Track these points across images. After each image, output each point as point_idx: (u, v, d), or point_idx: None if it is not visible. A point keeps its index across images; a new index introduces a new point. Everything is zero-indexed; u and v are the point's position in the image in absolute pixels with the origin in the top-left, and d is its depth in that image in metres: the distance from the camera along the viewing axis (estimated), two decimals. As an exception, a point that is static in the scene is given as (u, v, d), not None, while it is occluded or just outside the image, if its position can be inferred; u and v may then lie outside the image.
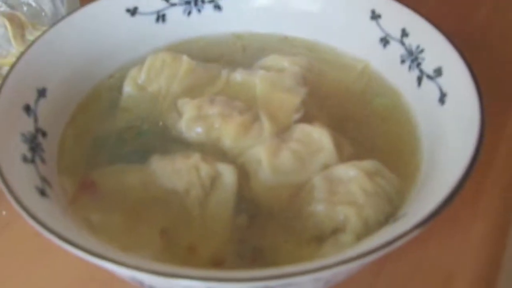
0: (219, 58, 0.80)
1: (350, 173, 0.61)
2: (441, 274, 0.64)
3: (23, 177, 0.55)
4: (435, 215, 0.48)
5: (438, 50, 0.68)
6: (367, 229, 0.57)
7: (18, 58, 0.66)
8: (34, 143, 0.62)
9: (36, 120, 0.64)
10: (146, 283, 0.52)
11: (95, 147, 0.69)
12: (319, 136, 0.65)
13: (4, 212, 0.72)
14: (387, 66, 0.75)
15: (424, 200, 0.54)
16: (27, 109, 0.63)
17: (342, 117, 0.72)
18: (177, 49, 0.79)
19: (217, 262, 0.57)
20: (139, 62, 0.77)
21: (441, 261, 0.66)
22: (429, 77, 0.68)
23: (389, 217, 0.59)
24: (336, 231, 0.58)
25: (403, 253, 0.65)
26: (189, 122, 0.68)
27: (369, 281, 0.64)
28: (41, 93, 0.66)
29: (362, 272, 0.62)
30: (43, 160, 0.61)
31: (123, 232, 0.58)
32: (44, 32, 0.71)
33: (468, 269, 0.65)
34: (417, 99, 0.70)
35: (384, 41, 0.75)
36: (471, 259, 0.66)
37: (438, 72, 0.67)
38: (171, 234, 0.59)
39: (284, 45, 0.83)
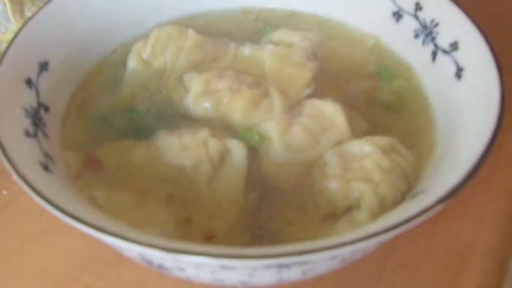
0: (227, 33, 0.78)
1: (365, 149, 0.59)
2: (454, 255, 0.63)
3: (26, 152, 0.53)
4: (458, 189, 0.46)
5: (454, 23, 0.66)
6: (383, 207, 0.55)
7: (19, 31, 0.64)
8: (36, 117, 0.59)
9: (38, 94, 0.62)
10: (155, 262, 0.50)
11: (99, 123, 0.67)
12: (331, 111, 0.63)
13: (4, 192, 0.69)
14: (400, 41, 0.73)
15: (443, 177, 0.52)
16: (29, 82, 0.61)
17: (354, 94, 0.70)
18: (183, 23, 0.77)
19: (209, 236, 0.55)
20: (143, 37, 0.74)
21: (453, 242, 0.64)
22: (444, 51, 0.66)
23: (405, 194, 0.57)
24: (351, 208, 0.56)
25: (414, 235, 0.63)
26: (197, 97, 0.66)
27: (380, 262, 0.62)
28: (43, 66, 0.64)
29: (373, 253, 0.60)
30: (46, 136, 0.59)
31: (129, 210, 0.56)
32: (45, 4, 0.68)
33: (481, 250, 0.63)
34: (432, 75, 0.68)
35: (397, 15, 0.73)
36: (484, 240, 0.64)
37: (454, 46, 0.65)
38: (180, 212, 0.57)
39: (293, 20, 0.80)
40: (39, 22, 0.66)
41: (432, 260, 0.62)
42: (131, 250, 0.49)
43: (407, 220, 0.43)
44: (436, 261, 0.62)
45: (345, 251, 0.43)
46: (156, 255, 0.47)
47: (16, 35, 0.63)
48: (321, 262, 0.48)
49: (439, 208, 0.45)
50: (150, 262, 0.50)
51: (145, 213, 0.56)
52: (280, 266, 0.46)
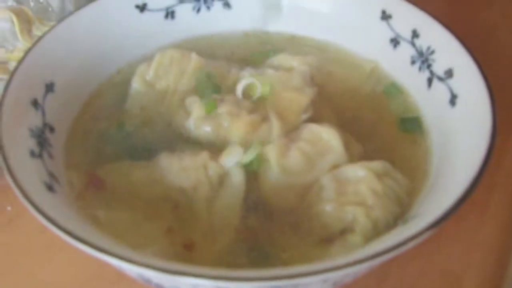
0: (228, 56, 0.80)
1: (359, 173, 0.60)
2: (448, 278, 0.64)
3: (31, 172, 0.55)
4: (447, 216, 0.48)
5: (449, 51, 0.68)
6: (376, 230, 0.57)
7: (26, 53, 0.66)
8: (41, 138, 0.61)
9: (44, 115, 0.63)
10: (154, 281, 0.51)
11: (102, 143, 0.69)
12: (328, 136, 0.64)
13: (9, 208, 0.71)
14: (397, 67, 0.75)
15: (435, 202, 0.53)
16: (35, 103, 0.63)
17: (351, 118, 0.71)
18: (186, 46, 0.79)
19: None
20: (147, 58, 0.76)
21: (448, 265, 0.65)
22: (439, 78, 0.68)
23: (398, 218, 0.58)
24: (345, 231, 0.58)
25: (410, 257, 0.62)
26: (198, 121, 0.68)
27: (376, 284, 0.63)
28: (49, 87, 0.66)
29: (368, 276, 0.61)
30: (50, 156, 0.61)
31: (130, 229, 0.58)
32: (52, 27, 0.71)
33: (476, 273, 0.65)
34: (427, 101, 0.69)
35: (395, 41, 0.75)
36: (478, 263, 0.66)
37: (449, 73, 0.66)
38: (178, 232, 0.59)
39: (292, 44, 0.82)
40: (46, 44, 0.68)
41: (428, 284, 0.64)
42: (131, 270, 0.51)
43: (398, 246, 0.44)
44: (431, 284, 0.64)
45: (337, 275, 0.45)
46: (154, 276, 0.48)
47: (24, 56, 0.65)
48: (314, 285, 0.50)
49: (429, 234, 0.46)
50: (149, 282, 0.52)
51: (145, 233, 0.58)
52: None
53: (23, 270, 0.65)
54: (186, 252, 0.57)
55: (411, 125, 0.69)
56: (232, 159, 0.63)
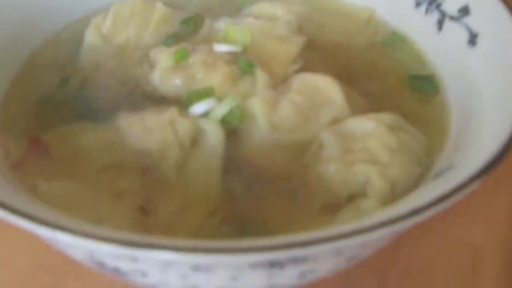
0: (198, 7, 0.68)
1: (367, 126, 0.50)
2: (467, 251, 0.56)
3: None
4: (495, 163, 0.37)
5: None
6: (394, 194, 0.45)
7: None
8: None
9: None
10: (109, 264, 0.39)
11: (47, 105, 0.57)
12: (325, 85, 0.53)
13: None
14: (398, 12, 0.64)
15: (470, 154, 0.43)
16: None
17: (349, 71, 0.60)
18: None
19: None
20: (101, 11, 0.65)
21: (466, 238, 0.58)
22: (453, 18, 0.57)
23: (418, 180, 0.47)
24: (354, 196, 0.46)
25: (424, 231, 0.56)
26: (165, 73, 0.56)
27: (388, 261, 0.54)
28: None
29: (379, 252, 0.50)
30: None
31: (78, 203, 0.45)
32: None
33: (496, 244, 0.57)
34: (438, 46, 0.59)
35: (395, -16, 0.64)
36: (498, 233, 0.58)
37: (465, 11, 0.57)
38: (140, 205, 0.46)
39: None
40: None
41: (445, 259, 0.55)
42: (78, 248, 0.38)
43: (442, 198, 0.33)
44: (449, 259, 0.55)
45: (358, 241, 0.33)
46: (109, 253, 0.36)
47: None
48: (324, 260, 0.38)
49: (476, 184, 0.35)
50: (102, 265, 0.39)
51: (97, 207, 0.45)
52: (273, 265, 0.35)
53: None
54: (148, 226, 0.44)
55: (424, 84, 0.58)
56: (202, 106, 0.51)
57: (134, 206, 0.46)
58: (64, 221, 0.36)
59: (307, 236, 0.33)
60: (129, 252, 0.32)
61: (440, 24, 0.59)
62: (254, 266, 0.35)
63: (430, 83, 0.58)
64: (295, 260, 0.36)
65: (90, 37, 0.62)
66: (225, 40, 0.60)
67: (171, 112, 0.51)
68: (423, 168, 0.48)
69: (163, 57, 0.57)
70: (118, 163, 0.49)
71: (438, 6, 0.60)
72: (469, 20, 0.56)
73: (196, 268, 0.35)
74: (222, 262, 0.34)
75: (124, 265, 0.38)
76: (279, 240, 0.33)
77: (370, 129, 0.49)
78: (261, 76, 0.55)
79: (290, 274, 0.38)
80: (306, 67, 0.59)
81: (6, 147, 0.50)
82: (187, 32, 0.64)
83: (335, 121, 0.52)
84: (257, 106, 0.52)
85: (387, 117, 0.50)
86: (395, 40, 0.63)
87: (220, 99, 0.54)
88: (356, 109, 0.54)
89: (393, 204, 0.41)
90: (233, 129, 0.52)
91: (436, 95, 0.57)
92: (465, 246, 0.56)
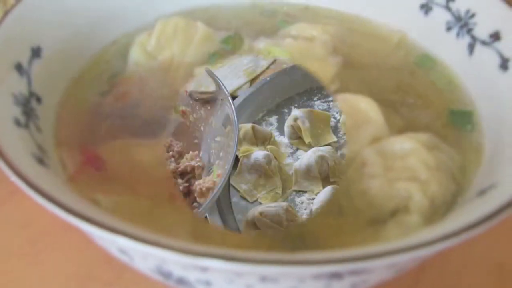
0: (237, 28, 0.70)
1: (406, 146, 0.52)
2: (491, 267, 0.57)
3: (17, 141, 0.45)
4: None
5: (492, 12, 0.60)
6: (434, 209, 0.48)
7: (8, 12, 0.56)
8: (27, 107, 0.51)
9: (30, 82, 0.53)
10: (176, 274, 0.41)
11: (99, 119, 0.58)
12: (365, 106, 0.56)
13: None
14: (429, 35, 0.67)
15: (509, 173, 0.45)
16: (19, 68, 0.52)
17: (383, 91, 0.62)
18: (188, 16, 0.69)
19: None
20: (146, 28, 0.67)
21: (490, 254, 0.58)
22: (484, 43, 0.60)
23: (455, 196, 0.49)
24: (396, 212, 0.49)
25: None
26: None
27: (414, 277, 0.55)
28: (36, 52, 0.56)
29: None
30: (38, 129, 0.50)
31: (142, 216, 0.47)
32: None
33: None
34: (469, 69, 0.61)
35: (426, 7, 0.66)
36: None
37: (496, 36, 0.59)
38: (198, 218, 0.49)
39: (306, 14, 0.73)
40: (32, 4, 0.58)
41: (470, 273, 0.56)
42: (147, 258, 0.41)
43: (493, 215, 0.35)
44: (474, 274, 0.56)
45: (416, 255, 0.35)
46: (178, 262, 0.38)
47: (3, 17, 0.55)
48: (378, 271, 0.40)
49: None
50: (168, 276, 0.42)
51: (158, 221, 0.47)
52: (333, 276, 0.38)
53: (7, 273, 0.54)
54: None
55: (462, 121, 0.59)
56: None
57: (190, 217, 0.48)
58: (138, 232, 0.38)
59: (369, 250, 0.36)
60: (197, 262, 0.34)
61: (471, 48, 0.61)
62: (316, 277, 0.38)
63: (468, 119, 0.58)
64: (354, 272, 0.38)
65: (135, 53, 0.65)
66: (266, 60, 0.63)
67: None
68: (457, 184, 0.51)
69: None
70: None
71: (470, 31, 0.62)
72: (500, 45, 0.58)
73: (263, 279, 0.38)
74: (291, 273, 0.36)
75: (191, 275, 0.40)
76: (344, 253, 0.35)
77: (409, 148, 0.51)
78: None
79: (344, 284, 0.40)
80: (342, 87, 0.62)
81: (61, 160, 0.51)
82: (227, 51, 0.66)
83: (375, 139, 0.54)
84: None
85: (423, 136, 0.53)
86: (427, 62, 0.65)
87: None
88: (393, 128, 0.56)
89: (444, 220, 0.43)
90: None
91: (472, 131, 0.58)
92: (489, 262, 0.57)
